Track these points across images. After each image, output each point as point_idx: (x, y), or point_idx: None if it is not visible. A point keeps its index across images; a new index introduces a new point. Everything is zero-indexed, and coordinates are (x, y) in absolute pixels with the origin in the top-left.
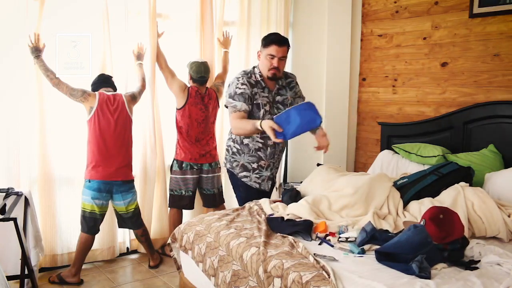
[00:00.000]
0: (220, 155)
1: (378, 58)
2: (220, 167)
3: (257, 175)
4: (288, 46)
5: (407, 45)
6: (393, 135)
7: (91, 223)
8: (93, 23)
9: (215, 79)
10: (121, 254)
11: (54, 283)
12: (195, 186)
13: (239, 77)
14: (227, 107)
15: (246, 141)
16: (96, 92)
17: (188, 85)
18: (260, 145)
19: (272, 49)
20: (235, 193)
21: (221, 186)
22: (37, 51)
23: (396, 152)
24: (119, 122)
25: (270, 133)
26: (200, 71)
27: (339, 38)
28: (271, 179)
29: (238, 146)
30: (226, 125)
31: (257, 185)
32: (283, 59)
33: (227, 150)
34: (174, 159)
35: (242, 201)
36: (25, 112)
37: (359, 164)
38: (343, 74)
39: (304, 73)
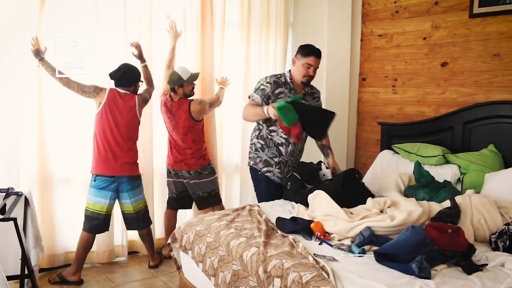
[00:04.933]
0: (220, 154)
1: (378, 58)
2: (207, 174)
3: (279, 170)
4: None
5: (407, 45)
6: (393, 135)
7: (93, 222)
8: (93, 23)
9: (208, 98)
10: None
11: (55, 283)
12: (178, 189)
13: (267, 76)
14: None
15: (270, 135)
16: (107, 88)
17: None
18: (283, 140)
19: (311, 59)
20: (255, 189)
21: (214, 190)
22: (39, 54)
23: (396, 152)
24: (125, 120)
25: (273, 117)
26: (170, 81)
27: (339, 38)
28: None
29: (262, 142)
30: (226, 129)
31: (279, 180)
32: (316, 69)
33: (251, 147)
34: None
35: (262, 196)
36: (25, 112)
37: (359, 164)
38: (343, 74)
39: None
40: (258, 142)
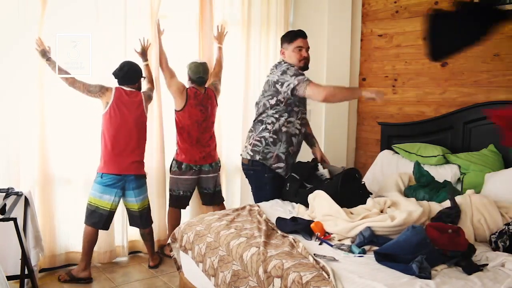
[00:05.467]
0: (219, 154)
1: (378, 58)
2: (220, 166)
3: (286, 163)
4: None
5: (407, 45)
6: (393, 135)
7: (96, 217)
8: (93, 23)
9: (211, 77)
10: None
11: (65, 281)
12: (193, 187)
13: (289, 67)
14: (294, 89)
15: (286, 127)
16: (113, 87)
17: (187, 86)
18: (297, 131)
19: (299, 42)
20: (256, 191)
21: (220, 185)
22: (45, 54)
23: (396, 152)
24: (134, 118)
25: (379, 96)
26: (199, 72)
27: (339, 38)
28: None
29: (275, 136)
30: (226, 129)
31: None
32: (308, 50)
33: (259, 141)
34: (173, 159)
35: (264, 199)
36: (25, 112)
37: (359, 164)
38: (343, 74)
39: (304, 73)
40: (270, 137)
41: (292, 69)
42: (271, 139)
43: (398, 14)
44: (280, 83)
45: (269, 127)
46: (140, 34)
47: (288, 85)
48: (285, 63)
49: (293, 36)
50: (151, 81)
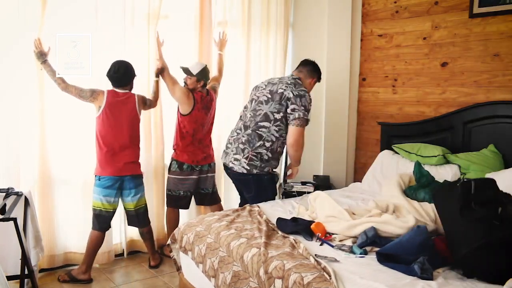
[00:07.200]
0: (219, 154)
1: (378, 58)
2: (214, 167)
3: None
4: None
5: (407, 45)
6: (393, 135)
7: (103, 220)
8: (93, 23)
9: (211, 81)
10: (117, 255)
11: (65, 281)
12: (194, 187)
13: (306, 94)
14: (292, 118)
15: (279, 149)
16: (105, 90)
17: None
18: (283, 151)
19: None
20: (261, 197)
21: (216, 186)
22: (42, 55)
23: (396, 152)
24: (127, 119)
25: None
26: (207, 76)
27: (339, 38)
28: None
29: (270, 155)
30: (226, 130)
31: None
32: None
33: (255, 157)
34: (173, 160)
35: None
36: (25, 112)
37: (359, 164)
38: (343, 74)
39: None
40: (266, 154)
41: (307, 99)
42: (266, 157)
43: (398, 14)
44: (291, 102)
45: (267, 144)
46: (140, 34)
47: (294, 110)
48: (303, 87)
49: (320, 77)
50: (155, 99)
